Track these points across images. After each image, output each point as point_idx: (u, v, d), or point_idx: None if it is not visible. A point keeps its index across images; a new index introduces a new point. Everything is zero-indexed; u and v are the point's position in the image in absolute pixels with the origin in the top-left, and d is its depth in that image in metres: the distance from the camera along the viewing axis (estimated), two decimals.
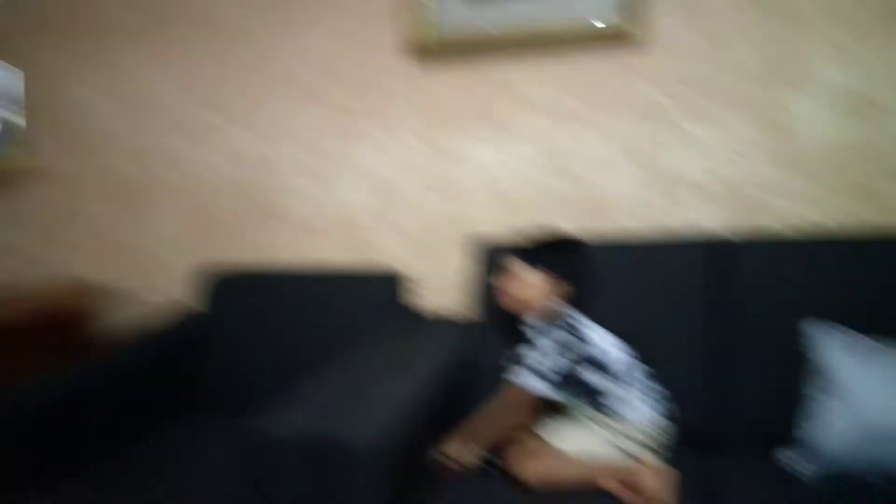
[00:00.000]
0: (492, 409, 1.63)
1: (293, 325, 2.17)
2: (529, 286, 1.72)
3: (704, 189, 1.95)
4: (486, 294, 1.94)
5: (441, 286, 2.23)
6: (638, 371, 1.67)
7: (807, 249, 1.71)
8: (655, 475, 1.46)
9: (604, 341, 1.67)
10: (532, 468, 1.52)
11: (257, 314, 2.18)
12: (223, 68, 2.36)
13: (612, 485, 1.46)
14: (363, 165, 2.25)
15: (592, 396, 1.60)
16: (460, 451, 1.58)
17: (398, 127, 2.20)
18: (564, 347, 1.63)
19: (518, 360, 1.64)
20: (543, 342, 1.65)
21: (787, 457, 1.55)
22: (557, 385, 1.61)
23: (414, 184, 2.21)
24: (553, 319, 1.68)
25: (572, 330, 1.66)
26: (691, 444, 1.67)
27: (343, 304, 2.15)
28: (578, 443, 1.58)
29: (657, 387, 1.67)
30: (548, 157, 2.07)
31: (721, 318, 1.74)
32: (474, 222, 2.16)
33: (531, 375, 1.62)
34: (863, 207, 1.84)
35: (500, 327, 1.86)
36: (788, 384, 1.62)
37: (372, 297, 2.15)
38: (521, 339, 1.77)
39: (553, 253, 1.75)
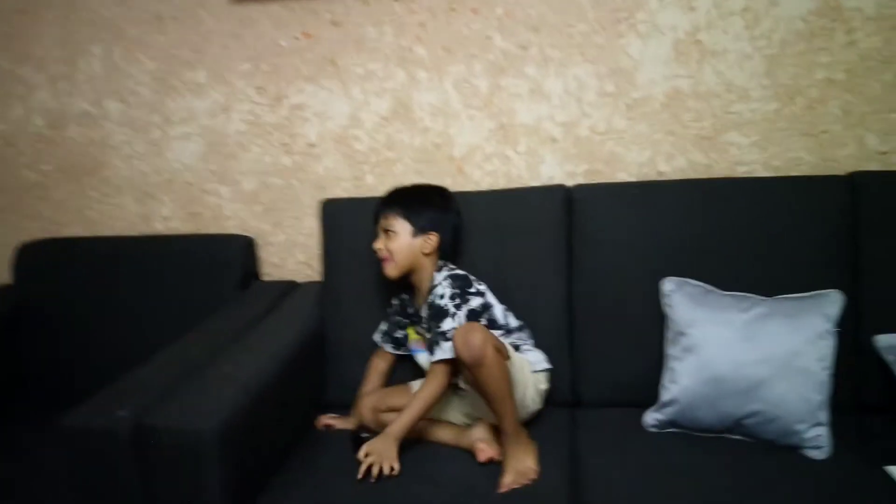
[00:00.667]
0: (429, 396, 1.50)
1: (123, 302, 2.00)
2: (408, 244, 1.61)
3: (553, 138, 1.90)
4: (334, 257, 1.84)
5: (291, 250, 2.11)
6: (514, 322, 1.65)
7: (657, 199, 1.71)
8: (526, 447, 1.45)
9: (489, 292, 1.63)
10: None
11: (80, 290, 1.99)
12: (33, 19, 2.08)
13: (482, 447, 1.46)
14: (198, 120, 2.06)
15: None
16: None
17: (232, 76, 2.01)
18: (464, 302, 1.55)
19: (438, 335, 1.52)
20: (446, 304, 1.54)
21: (647, 415, 1.57)
22: None
23: (255, 139, 2.05)
24: (447, 277, 1.59)
25: (466, 283, 1.59)
26: (557, 403, 1.67)
27: (182, 275, 2.01)
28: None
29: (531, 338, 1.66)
30: (394, 107, 1.95)
31: (577, 273, 1.72)
32: (323, 180, 2.03)
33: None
34: (706, 156, 1.85)
35: (385, 291, 1.77)
36: (650, 342, 1.63)
37: (215, 265, 2.01)
38: (405, 303, 1.69)
39: (422, 205, 1.65)
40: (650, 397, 1.58)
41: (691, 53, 1.80)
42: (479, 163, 1.95)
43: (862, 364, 1.59)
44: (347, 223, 1.82)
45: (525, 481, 1.38)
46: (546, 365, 1.63)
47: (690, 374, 1.51)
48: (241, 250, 2.02)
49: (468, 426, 1.56)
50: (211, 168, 2.09)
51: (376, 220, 1.66)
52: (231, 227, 2.12)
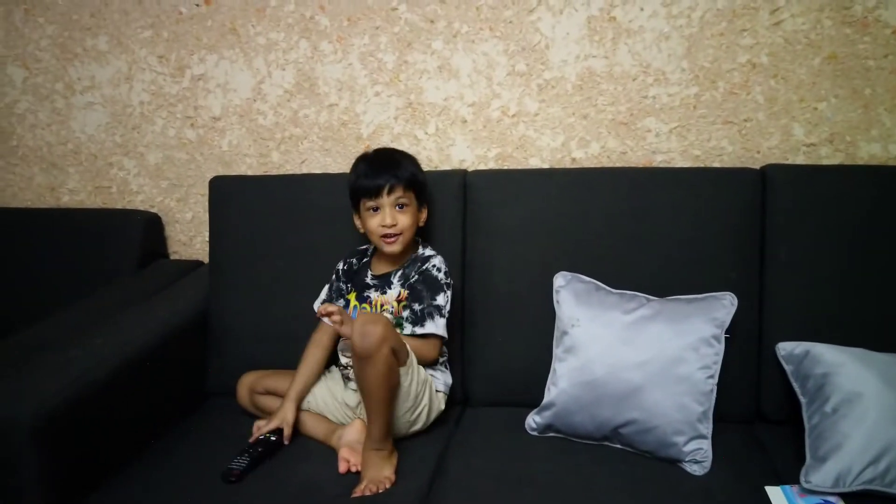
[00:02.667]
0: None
1: (20, 276, 1.94)
2: (416, 218, 1.52)
3: (463, 119, 1.79)
4: (220, 238, 1.75)
5: (199, 228, 2.03)
6: None
7: (560, 188, 1.60)
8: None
9: None
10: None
11: None
12: None
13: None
14: (100, 89, 1.97)
15: None
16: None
17: (134, 44, 1.92)
18: (447, 280, 1.49)
19: (431, 309, 1.45)
20: (442, 278, 1.48)
21: (528, 417, 1.48)
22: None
23: (158, 110, 1.96)
24: (437, 254, 1.52)
25: (442, 261, 1.52)
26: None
27: (78, 251, 1.94)
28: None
29: None
30: (298, 80, 1.85)
31: (470, 263, 1.62)
32: (227, 155, 1.94)
33: (444, 327, 1.46)
34: (621, 142, 1.73)
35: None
36: (542, 340, 1.52)
37: (113, 242, 1.94)
38: (354, 268, 1.58)
39: (423, 174, 1.55)
40: (539, 398, 1.49)
41: (606, 31, 1.67)
42: (387, 143, 1.84)
43: (763, 373, 1.48)
44: (236, 202, 1.73)
45: (378, 490, 1.29)
46: (447, 388, 1.54)
47: (569, 377, 1.41)
48: (140, 227, 1.94)
49: (343, 425, 1.47)
50: (115, 139, 2.01)
51: (373, 193, 1.46)
52: (138, 203, 2.05)
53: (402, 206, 1.48)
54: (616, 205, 1.55)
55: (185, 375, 1.66)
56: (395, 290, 1.50)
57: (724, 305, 1.39)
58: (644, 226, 1.52)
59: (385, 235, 1.47)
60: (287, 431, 1.44)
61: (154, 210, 2.02)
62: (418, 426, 1.45)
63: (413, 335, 1.43)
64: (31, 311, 1.86)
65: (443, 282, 1.48)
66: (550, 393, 1.44)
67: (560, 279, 1.50)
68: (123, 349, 1.46)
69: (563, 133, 1.75)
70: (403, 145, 1.82)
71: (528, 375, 1.53)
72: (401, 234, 1.48)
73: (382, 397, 1.32)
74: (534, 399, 1.49)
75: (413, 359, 1.38)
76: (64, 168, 2.06)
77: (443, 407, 1.50)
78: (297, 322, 1.60)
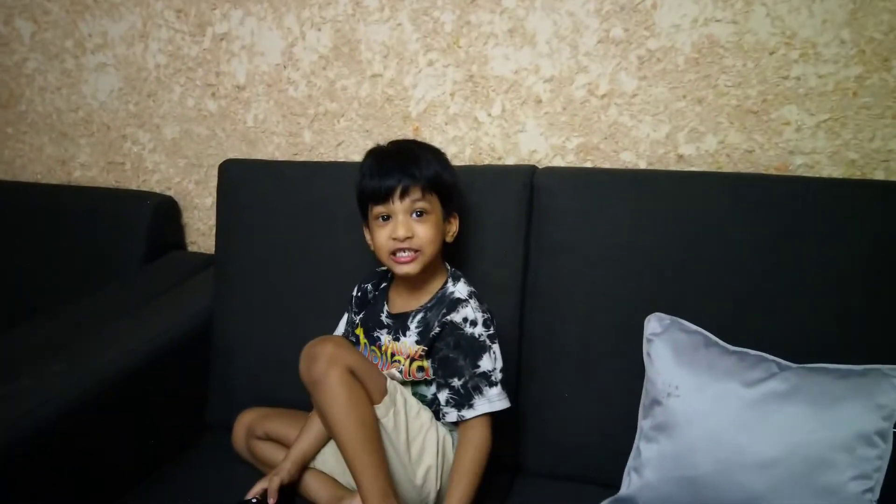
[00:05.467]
0: (472, 470, 1.06)
1: (17, 262, 1.69)
2: (440, 231, 1.13)
3: (538, 99, 1.39)
4: (230, 235, 1.43)
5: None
6: None
7: (661, 197, 1.19)
8: None
9: None
10: None
11: None
12: None
13: None
14: (113, 48, 1.69)
15: None
16: None
17: None
18: (494, 332, 1.11)
19: (477, 381, 1.07)
20: (481, 334, 1.09)
21: None
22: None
23: (176, 76, 1.65)
24: (472, 294, 1.13)
25: (480, 296, 1.15)
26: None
27: (80, 238, 1.68)
28: None
29: None
30: (336, 43, 1.50)
31: (532, 293, 1.25)
32: (253, 132, 1.63)
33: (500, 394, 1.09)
34: (748, 137, 1.30)
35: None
36: (623, 400, 1.14)
37: (118, 230, 1.67)
38: (368, 296, 1.23)
39: (452, 175, 1.16)
40: (615, 477, 1.11)
41: None
42: (441, 125, 1.48)
43: None
44: (250, 194, 1.41)
45: None
46: None
47: (659, 466, 1.03)
48: (149, 213, 1.65)
49: (352, 491, 1.13)
50: (129, 108, 1.72)
51: (382, 196, 1.09)
52: (154, 184, 1.76)
53: (420, 213, 1.10)
54: (738, 224, 1.13)
55: (179, 403, 1.36)
56: (411, 341, 1.13)
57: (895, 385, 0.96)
58: (778, 257, 1.10)
59: (396, 252, 1.10)
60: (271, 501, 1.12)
61: (170, 193, 1.73)
62: (431, 493, 1.09)
63: (462, 421, 1.07)
64: (24, 300, 1.65)
65: (483, 337, 1.09)
66: (631, 482, 1.06)
67: (654, 323, 1.10)
68: (93, 376, 1.17)
69: (669, 121, 1.33)
70: (461, 129, 1.45)
71: (602, 449, 1.16)
72: (419, 250, 1.10)
73: (353, 434, 1.00)
74: (608, 478, 1.13)
75: (396, 395, 1.06)
76: (75, 139, 1.79)
77: None
78: None
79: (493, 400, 1.06)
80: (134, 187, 1.77)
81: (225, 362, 1.39)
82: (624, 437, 1.11)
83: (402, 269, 1.11)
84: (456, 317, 1.09)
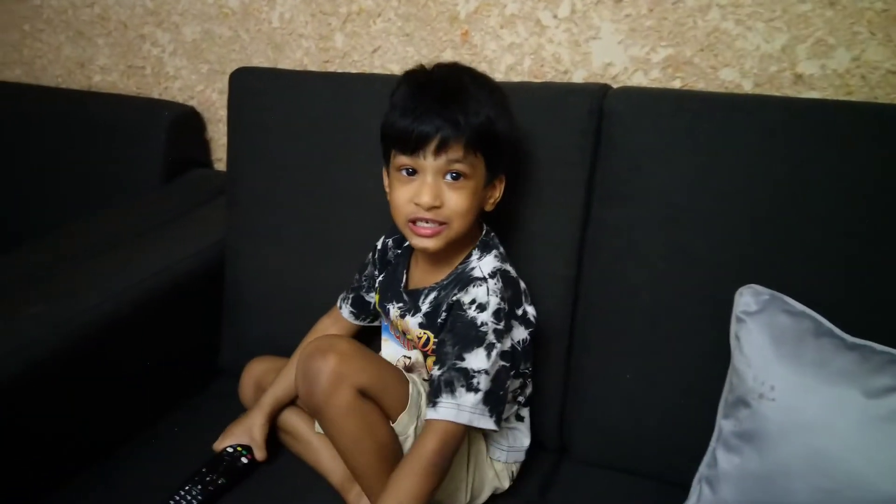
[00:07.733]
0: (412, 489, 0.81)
1: (26, 173, 1.56)
2: (477, 199, 0.88)
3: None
4: (242, 158, 1.24)
5: None
6: None
7: (764, 129, 0.91)
8: None
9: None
10: None
11: None
12: None
13: None
14: None
15: None
16: None
17: None
18: (507, 329, 0.87)
19: (454, 372, 0.82)
20: (484, 321, 0.83)
21: None
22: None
23: None
24: (497, 272, 0.88)
25: (517, 297, 0.90)
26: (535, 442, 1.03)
27: (95, 152, 1.52)
28: None
29: None
30: None
31: (592, 247, 1.01)
32: (279, 34, 1.41)
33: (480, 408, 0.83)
34: (887, 51, 0.98)
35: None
36: (699, 385, 0.93)
37: (133, 143, 1.50)
38: (390, 254, 1.02)
39: (510, 123, 0.89)
40: (680, 476, 0.90)
41: None
42: (494, 30, 1.21)
43: None
44: (265, 109, 1.20)
45: None
46: (522, 453, 0.99)
47: (742, 486, 0.81)
48: (165, 126, 1.47)
49: None
50: (146, 4, 1.51)
51: (412, 145, 0.83)
52: (175, 92, 1.58)
53: (456, 176, 0.85)
54: (875, 175, 0.85)
55: (190, 346, 1.21)
56: (415, 322, 0.91)
57: None
58: None
59: (417, 221, 0.86)
60: (259, 455, 0.98)
61: (193, 103, 1.55)
62: None
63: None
64: (33, 216, 1.54)
65: (487, 328, 0.83)
66: (702, 496, 0.85)
67: (749, 298, 0.85)
68: (84, 317, 1.03)
69: (788, 29, 1.03)
70: (520, 34, 1.19)
71: (667, 440, 0.96)
72: (445, 223, 0.85)
73: (367, 466, 0.84)
74: (670, 475, 0.94)
75: (420, 402, 0.87)
76: (92, 38, 1.61)
77: (504, 485, 0.96)
78: (333, 288, 1.09)
79: (464, 408, 0.81)
80: (156, 95, 1.60)
81: (236, 301, 1.23)
82: (695, 432, 0.90)
83: (419, 243, 0.87)
84: (464, 297, 0.85)
